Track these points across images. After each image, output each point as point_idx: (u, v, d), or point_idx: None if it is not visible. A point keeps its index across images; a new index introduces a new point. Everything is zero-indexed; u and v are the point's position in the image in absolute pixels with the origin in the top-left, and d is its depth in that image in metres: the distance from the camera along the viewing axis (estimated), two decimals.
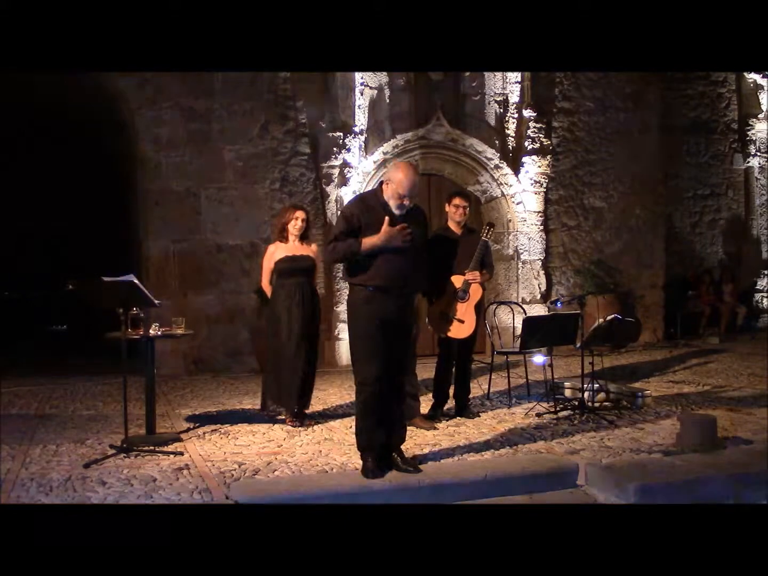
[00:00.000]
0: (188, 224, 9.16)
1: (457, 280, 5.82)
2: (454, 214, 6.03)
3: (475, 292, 5.87)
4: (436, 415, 5.96)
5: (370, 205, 4.43)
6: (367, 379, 4.33)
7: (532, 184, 10.20)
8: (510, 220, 10.20)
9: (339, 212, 4.12)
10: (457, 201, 6.05)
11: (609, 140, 10.79)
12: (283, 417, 5.98)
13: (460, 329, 5.85)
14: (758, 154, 12.68)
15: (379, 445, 4.41)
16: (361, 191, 9.57)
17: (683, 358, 9.40)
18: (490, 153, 10.05)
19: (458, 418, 5.98)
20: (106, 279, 5.02)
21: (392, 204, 4.35)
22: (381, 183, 4.47)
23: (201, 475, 4.48)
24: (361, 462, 4.42)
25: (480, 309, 6.09)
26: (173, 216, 9.11)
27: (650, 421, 5.80)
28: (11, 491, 4.19)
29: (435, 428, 5.60)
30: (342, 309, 9.39)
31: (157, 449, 5.07)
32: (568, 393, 6.66)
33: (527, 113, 10.15)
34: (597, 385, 6.37)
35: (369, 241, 4.29)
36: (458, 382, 6.11)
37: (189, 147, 9.12)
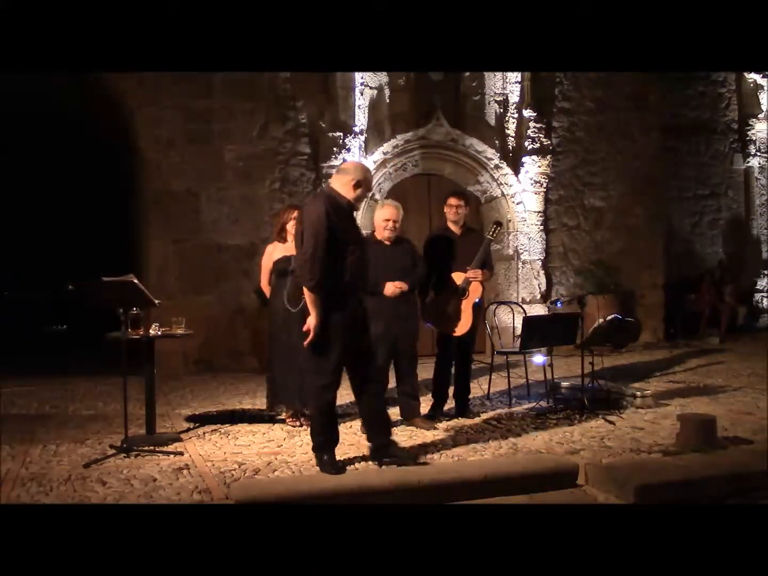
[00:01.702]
0: (188, 224, 9.17)
1: (458, 278, 5.84)
2: (448, 214, 6.08)
3: (475, 290, 5.88)
4: (436, 415, 5.96)
5: (336, 206, 4.43)
6: (333, 382, 4.51)
7: (532, 184, 10.20)
8: (510, 220, 10.20)
9: (308, 218, 4.41)
10: (450, 201, 6.09)
11: (609, 140, 10.80)
12: (283, 417, 5.98)
13: (457, 325, 5.86)
14: (758, 154, 12.69)
15: (335, 442, 4.59)
16: None
17: (683, 358, 9.40)
18: (490, 153, 10.06)
19: (458, 418, 5.98)
20: (106, 279, 5.02)
21: (360, 204, 4.73)
22: (330, 187, 4.58)
23: (201, 475, 4.48)
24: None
25: (479, 308, 6.09)
26: (173, 216, 9.12)
27: (650, 421, 5.80)
28: (11, 491, 4.19)
29: (435, 428, 5.59)
30: None
31: (157, 449, 5.07)
32: (567, 393, 6.66)
33: (527, 113, 10.16)
34: (597, 385, 6.37)
35: (318, 309, 4.33)
36: (458, 382, 6.11)
37: (189, 147, 9.13)
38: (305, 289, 4.37)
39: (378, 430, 4.63)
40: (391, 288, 5.45)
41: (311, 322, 4.36)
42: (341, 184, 4.50)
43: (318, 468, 4.49)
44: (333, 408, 4.59)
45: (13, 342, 11.61)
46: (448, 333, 5.91)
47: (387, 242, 5.61)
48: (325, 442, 4.55)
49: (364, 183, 4.51)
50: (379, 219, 5.64)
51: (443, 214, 6.24)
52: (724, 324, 11.52)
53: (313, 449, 4.60)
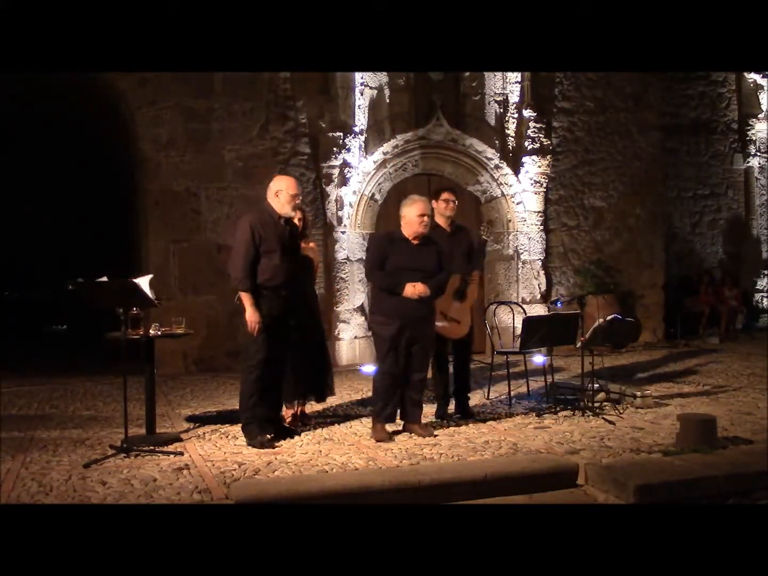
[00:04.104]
0: (188, 224, 9.17)
1: (455, 280, 5.80)
2: (444, 210, 5.96)
3: (472, 293, 5.87)
4: (444, 415, 5.93)
5: (265, 219, 5.22)
6: (259, 363, 5.17)
7: (532, 184, 10.20)
8: (510, 220, 10.20)
9: (240, 227, 5.27)
10: (446, 195, 5.98)
11: (609, 140, 10.80)
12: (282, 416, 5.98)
13: (456, 329, 5.84)
14: (758, 154, 12.69)
15: (260, 417, 5.22)
16: (361, 191, 9.59)
17: (683, 358, 9.40)
18: (490, 153, 10.05)
19: (458, 417, 5.96)
20: (106, 279, 5.03)
21: (287, 209, 5.23)
22: (266, 202, 5.28)
23: (201, 475, 4.48)
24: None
25: (473, 309, 6.05)
26: (173, 216, 9.12)
27: (650, 421, 5.80)
28: (11, 491, 4.19)
29: (434, 435, 5.40)
30: (342, 309, 9.40)
31: (157, 449, 5.07)
32: (567, 393, 6.66)
33: (527, 113, 10.15)
34: (597, 385, 6.37)
35: (249, 304, 5.12)
36: (458, 382, 6.07)
37: (189, 147, 9.13)
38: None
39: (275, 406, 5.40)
40: (411, 290, 5.20)
41: (247, 315, 5.12)
42: (270, 199, 5.28)
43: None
44: (260, 386, 5.19)
45: (13, 342, 11.61)
46: (448, 337, 5.89)
47: (415, 241, 5.35)
48: (252, 416, 5.21)
49: (284, 189, 5.21)
50: (412, 215, 5.34)
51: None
52: (724, 324, 11.53)
53: (245, 420, 5.23)
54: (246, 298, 5.13)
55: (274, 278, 5.17)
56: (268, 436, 5.21)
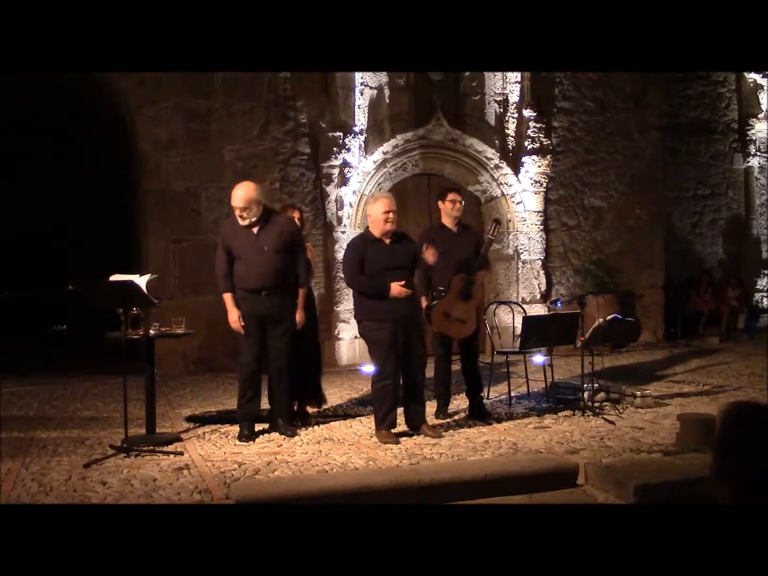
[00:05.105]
0: (188, 224, 9.17)
1: (459, 280, 5.80)
2: (452, 210, 5.98)
3: (477, 292, 5.87)
4: (444, 416, 5.94)
5: (234, 225, 5.45)
6: (248, 361, 5.43)
7: (532, 184, 10.20)
8: (510, 220, 10.20)
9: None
10: (452, 196, 6.01)
11: (609, 140, 10.80)
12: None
13: (461, 329, 5.84)
14: (758, 154, 12.69)
15: (251, 414, 5.46)
16: (361, 191, 9.59)
17: (683, 358, 9.40)
18: (490, 153, 10.05)
19: (468, 417, 5.95)
20: (106, 279, 5.04)
21: (237, 215, 5.33)
22: None
23: (201, 475, 4.48)
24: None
25: (479, 308, 6.08)
26: (173, 216, 9.12)
27: (650, 421, 5.80)
28: (11, 491, 4.19)
29: (442, 436, 5.37)
30: (342, 309, 9.40)
31: (157, 449, 5.07)
32: (567, 393, 6.66)
33: (527, 113, 10.15)
34: (597, 385, 6.37)
35: (228, 306, 5.47)
36: (469, 383, 6.05)
37: (189, 147, 9.12)
38: None
39: (278, 408, 5.59)
40: (397, 290, 5.17)
41: (228, 317, 5.44)
42: None
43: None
44: (251, 383, 5.44)
45: (13, 342, 11.60)
46: (455, 337, 5.90)
47: (387, 240, 5.33)
48: (245, 413, 5.44)
49: (232, 199, 5.37)
50: (377, 213, 5.29)
51: (437, 210, 6.20)
52: (725, 324, 11.53)
53: (238, 419, 5.49)
54: (225, 300, 5.48)
55: (246, 281, 5.41)
56: (247, 432, 5.41)
